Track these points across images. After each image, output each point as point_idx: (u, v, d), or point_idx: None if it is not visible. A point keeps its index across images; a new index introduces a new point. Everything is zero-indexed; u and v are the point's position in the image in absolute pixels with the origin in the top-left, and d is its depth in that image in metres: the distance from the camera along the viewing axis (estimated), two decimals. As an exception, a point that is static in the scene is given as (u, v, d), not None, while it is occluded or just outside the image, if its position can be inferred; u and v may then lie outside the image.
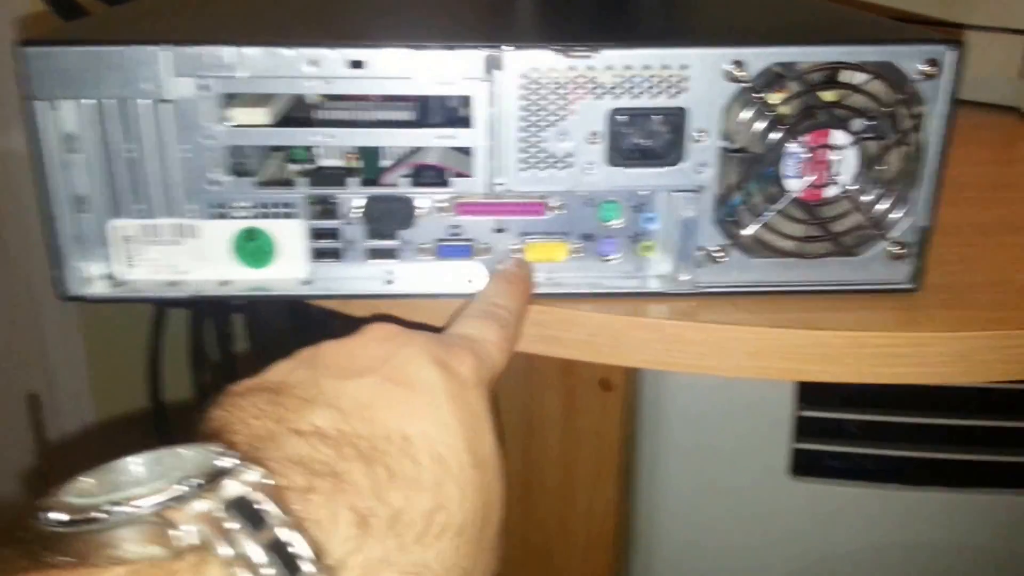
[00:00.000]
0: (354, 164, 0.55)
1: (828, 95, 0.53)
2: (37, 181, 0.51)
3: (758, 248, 0.55)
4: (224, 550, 0.29)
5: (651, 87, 0.51)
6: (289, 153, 0.56)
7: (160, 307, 1.44)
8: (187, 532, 0.29)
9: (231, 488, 0.31)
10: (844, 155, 0.53)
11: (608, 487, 1.12)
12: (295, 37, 0.50)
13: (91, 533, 0.29)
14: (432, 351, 0.43)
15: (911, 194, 0.54)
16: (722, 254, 0.54)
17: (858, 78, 0.52)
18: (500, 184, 0.53)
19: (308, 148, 0.56)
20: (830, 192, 0.54)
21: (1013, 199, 0.76)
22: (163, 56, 0.49)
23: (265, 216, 0.54)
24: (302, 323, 1.12)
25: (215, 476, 0.31)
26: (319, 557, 0.31)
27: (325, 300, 0.57)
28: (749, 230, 0.54)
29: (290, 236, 0.54)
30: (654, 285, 0.56)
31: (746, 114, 0.51)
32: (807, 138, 0.52)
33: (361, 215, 0.54)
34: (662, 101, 0.51)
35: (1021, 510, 0.85)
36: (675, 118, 0.52)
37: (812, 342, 0.53)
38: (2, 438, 1.60)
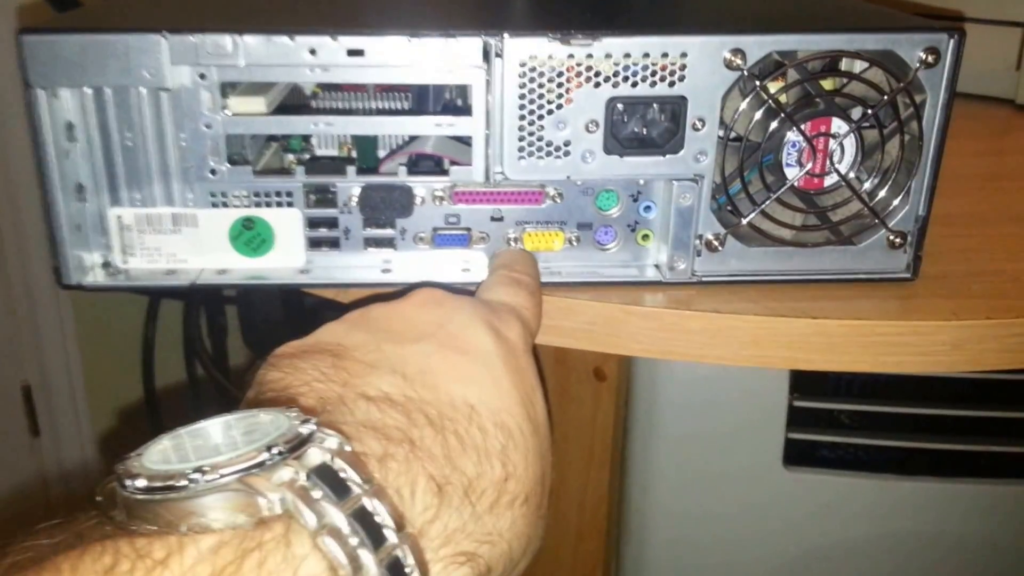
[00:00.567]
0: (352, 153, 0.55)
1: (827, 83, 0.53)
2: (36, 170, 0.51)
3: (756, 237, 0.55)
4: (310, 519, 0.29)
5: (650, 75, 0.51)
6: (286, 143, 0.56)
7: (154, 298, 1.43)
8: (272, 501, 0.29)
9: (313, 455, 0.30)
10: (843, 144, 0.53)
11: (600, 477, 1.12)
12: (294, 25, 0.50)
13: (174, 501, 0.28)
14: (484, 316, 0.43)
15: (909, 183, 0.54)
16: (720, 243, 0.55)
17: (858, 66, 0.52)
18: (498, 173, 0.53)
19: (306, 138, 0.56)
20: (828, 181, 0.54)
21: (1009, 189, 0.76)
22: (162, 44, 0.49)
23: (263, 205, 0.54)
24: (295, 314, 1.12)
25: (297, 443, 0.30)
26: (400, 526, 0.30)
27: (322, 289, 0.57)
28: (747, 219, 0.54)
29: (288, 225, 0.54)
30: (652, 274, 0.56)
31: (745, 102, 0.52)
32: (806, 126, 0.52)
33: (359, 204, 0.54)
34: (661, 89, 0.51)
35: (1015, 500, 0.85)
36: (674, 106, 0.52)
37: (810, 331, 0.53)
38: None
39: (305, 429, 0.31)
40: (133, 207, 0.53)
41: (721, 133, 0.52)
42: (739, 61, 0.50)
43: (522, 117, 0.51)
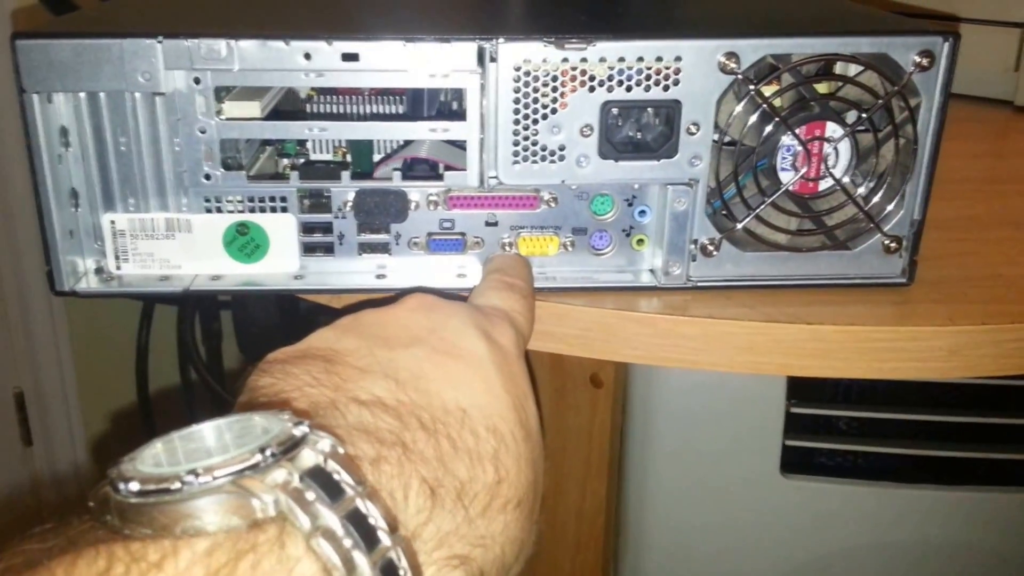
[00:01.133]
0: (347, 157, 0.55)
1: (822, 87, 0.53)
2: (30, 175, 0.51)
3: (751, 241, 0.55)
4: (303, 521, 0.28)
5: (644, 79, 0.51)
6: (281, 147, 0.56)
7: (148, 303, 1.43)
8: (266, 503, 0.29)
9: (307, 457, 0.30)
10: (838, 147, 0.53)
11: (598, 485, 1.12)
12: (288, 29, 0.50)
13: (168, 504, 0.28)
14: (476, 321, 0.43)
15: (904, 187, 0.54)
16: (715, 248, 0.54)
17: (852, 70, 0.52)
18: (493, 177, 0.53)
19: (300, 142, 0.56)
20: (823, 185, 0.54)
21: (1006, 192, 0.76)
22: (156, 49, 0.49)
23: (257, 210, 0.53)
24: (291, 319, 1.11)
25: (291, 445, 0.30)
26: (393, 528, 0.30)
27: (316, 295, 0.57)
28: (742, 223, 0.54)
29: (282, 230, 0.54)
30: (647, 279, 0.56)
31: (740, 106, 0.51)
32: (801, 130, 0.52)
33: (354, 209, 0.54)
34: (655, 94, 0.51)
35: (1013, 508, 0.85)
36: (668, 110, 0.52)
37: (805, 336, 0.53)
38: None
39: (298, 431, 0.31)
40: (127, 212, 0.53)
41: (716, 137, 0.52)
42: (733, 65, 0.50)
43: (517, 121, 0.51)
